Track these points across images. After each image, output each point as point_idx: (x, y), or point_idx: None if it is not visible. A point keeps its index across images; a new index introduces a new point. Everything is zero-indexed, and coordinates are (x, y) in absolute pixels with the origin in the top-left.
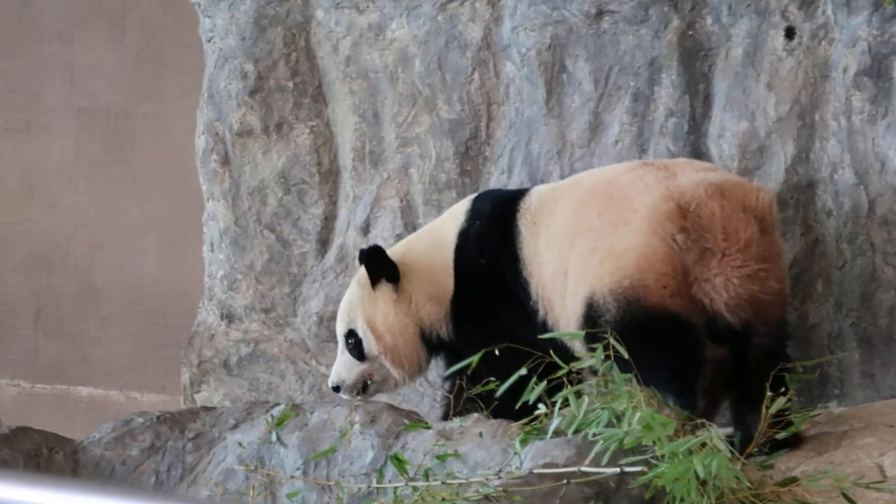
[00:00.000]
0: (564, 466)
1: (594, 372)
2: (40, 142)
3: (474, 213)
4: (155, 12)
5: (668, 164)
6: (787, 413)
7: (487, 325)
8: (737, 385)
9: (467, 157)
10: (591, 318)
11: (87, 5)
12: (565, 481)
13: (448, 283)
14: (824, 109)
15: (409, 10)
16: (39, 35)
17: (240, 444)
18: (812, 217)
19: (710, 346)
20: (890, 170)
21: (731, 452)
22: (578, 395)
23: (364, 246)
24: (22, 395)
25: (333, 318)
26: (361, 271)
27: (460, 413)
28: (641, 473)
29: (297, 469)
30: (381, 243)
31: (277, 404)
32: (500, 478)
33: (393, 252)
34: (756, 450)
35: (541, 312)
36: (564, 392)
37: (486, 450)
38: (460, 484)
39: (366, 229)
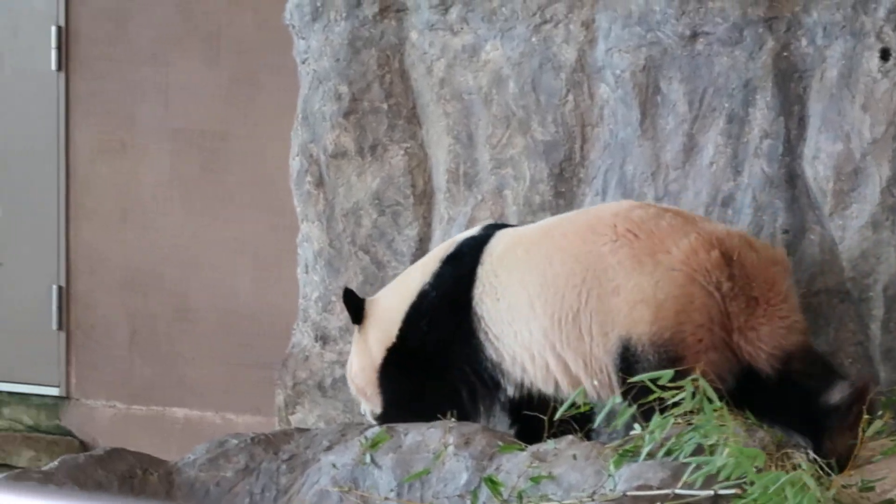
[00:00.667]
0: (658, 489)
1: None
2: (135, 163)
3: (437, 280)
4: (249, 34)
5: (669, 208)
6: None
7: (402, 390)
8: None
9: (561, 179)
10: (627, 362)
11: (182, 27)
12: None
13: (393, 332)
14: None
15: (503, 31)
16: (135, 56)
17: (334, 466)
18: None
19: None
20: None
21: (826, 475)
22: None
23: None
24: (118, 416)
25: None
26: None
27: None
28: (736, 496)
29: (391, 491)
30: None
31: (372, 426)
32: (593, 500)
33: (380, 293)
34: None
35: (516, 375)
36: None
37: (580, 472)
38: None
39: None
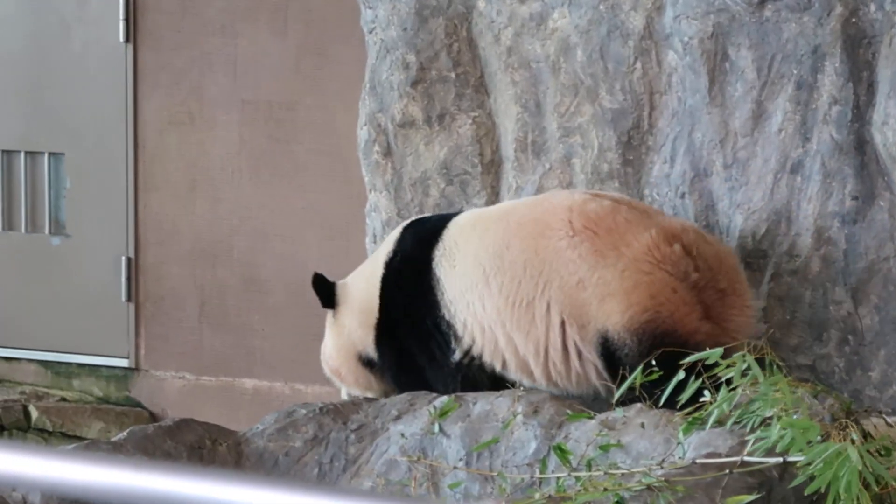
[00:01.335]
0: (727, 456)
1: None
2: (204, 135)
3: (399, 245)
4: (317, 4)
5: (622, 199)
6: None
7: (402, 355)
8: None
9: (630, 147)
10: (609, 350)
11: None
12: (728, 471)
13: (374, 309)
14: None
15: None
16: (203, 28)
17: (402, 436)
18: None
19: None
20: None
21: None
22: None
23: None
24: (188, 387)
25: None
26: None
27: None
28: (806, 464)
29: (460, 460)
30: None
31: (440, 395)
32: (662, 468)
33: (349, 277)
34: None
35: (465, 341)
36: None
37: (649, 440)
38: (623, 474)
39: None
